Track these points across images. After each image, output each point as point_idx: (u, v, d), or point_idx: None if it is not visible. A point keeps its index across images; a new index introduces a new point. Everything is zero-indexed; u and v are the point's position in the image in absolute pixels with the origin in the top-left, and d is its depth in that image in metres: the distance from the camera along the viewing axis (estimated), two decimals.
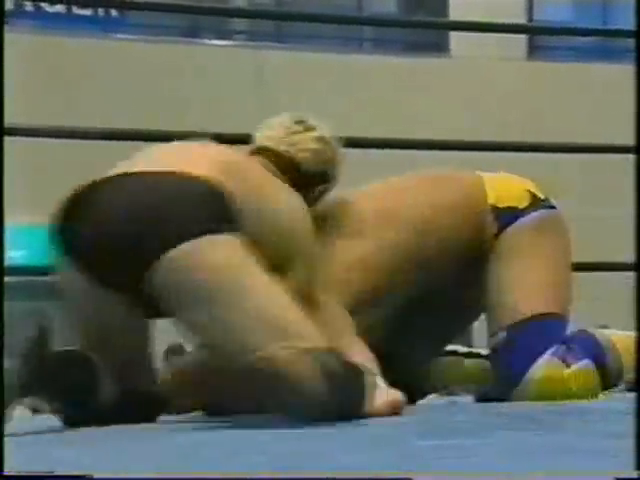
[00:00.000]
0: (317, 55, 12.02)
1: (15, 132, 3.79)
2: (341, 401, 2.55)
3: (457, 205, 3.21)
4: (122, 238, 2.72)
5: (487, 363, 3.37)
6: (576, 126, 10.72)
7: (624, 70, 13.56)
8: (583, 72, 13.18)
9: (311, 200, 3.10)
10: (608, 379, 3.24)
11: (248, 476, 1.63)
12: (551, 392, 3.08)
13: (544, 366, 3.11)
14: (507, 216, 3.21)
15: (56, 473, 2.17)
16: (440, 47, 12.91)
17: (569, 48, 13.75)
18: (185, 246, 2.67)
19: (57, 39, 11.57)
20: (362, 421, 2.54)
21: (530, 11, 13.76)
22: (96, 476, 2.07)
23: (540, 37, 13.58)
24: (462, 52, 12.24)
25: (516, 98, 12.65)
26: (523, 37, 12.88)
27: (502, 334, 3.16)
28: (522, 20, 13.13)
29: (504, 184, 3.28)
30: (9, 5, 11.65)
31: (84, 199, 2.79)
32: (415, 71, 12.37)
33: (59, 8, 11.98)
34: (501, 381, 3.19)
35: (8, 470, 1.87)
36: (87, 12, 12.29)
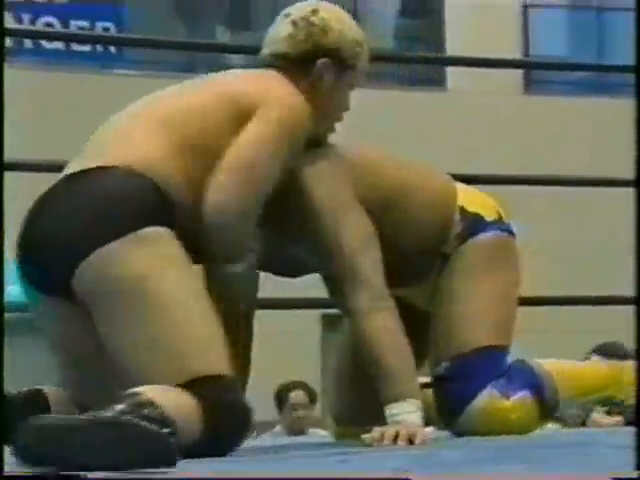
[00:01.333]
0: None
1: (16, 167, 3.79)
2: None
3: (428, 196, 3.20)
4: (51, 245, 2.73)
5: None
6: (571, 159, 10.73)
7: (619, 104, 13.63)
8: (578, 106, 13.20)
9: (315, 79, 3.04)
10: (545, 409, 3.26)
11: None
12: (492, 423, 3.10)
13: (486, 398, 3.11)
14: (473, 222, 3.19)
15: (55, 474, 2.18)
16: (437, 81, 12.93)
17: (565, 82, 13.78)
18: (104, 250, 2.66)
19: (56, 74, 11.60)
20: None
21: (526, 45, 13.78)
22: (90, 476, 2.09)
23: (536, 71, 13.61)
24: (460, 85, 12.26)
25: (512, 131, 12.66)
26: (519, 71, 12.91)
27: (446, 364, 3.15)
28: (518, 54, 13.15)
29: (475, 194, 3.28)
30: (9, 42, 11.69)
31: (31, 217, 2.80)
32: (411, 105, 12.38)
33: (58, 44, 12.02)
34: (443, 410, 3.18)
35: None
36: (86, 48, 12.32)
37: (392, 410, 2.91)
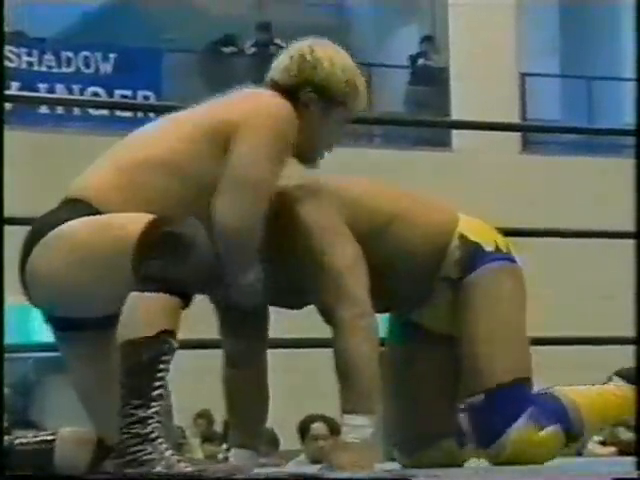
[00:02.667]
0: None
1: (14, 222, 3.71)
2: None
3: (421, 223, 3.14)
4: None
5: None
6: (564, 210, 10.69)
7: (607, 162, 13.57)
8: (570, 164, 13.18)
9: (302, 109, 2.97)
10: (572, 440, 3.17)
11: None
12: (524, 452, 3.01)
13: (521, 428, 3.03)
14: (473, 250, 3.12)
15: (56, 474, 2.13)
16: (443, 142, 12.92)
17: (558, 143, 13.77)
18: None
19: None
20: None
21: (523, 109, 13.77)
22: (87, 477, 2.03)
23: (532, 133, 13.61)
24: (464, 145, 12.24)
25: (511, 188, 12.63)
26: (518, 133, 12.91)
27: (480, 397, 3.07)
28: (516, 116, 13.14)
29: (479, 224, 3.21)
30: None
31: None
32: (420, 163, 12.37)
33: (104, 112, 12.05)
34: (478, 440, 3.11)
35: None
36: (128, 114, 12.35)
37: (351, 421, 2.85)
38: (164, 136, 2.91)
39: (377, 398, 2.89)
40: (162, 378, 2.55)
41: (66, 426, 2.91)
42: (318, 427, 7.13)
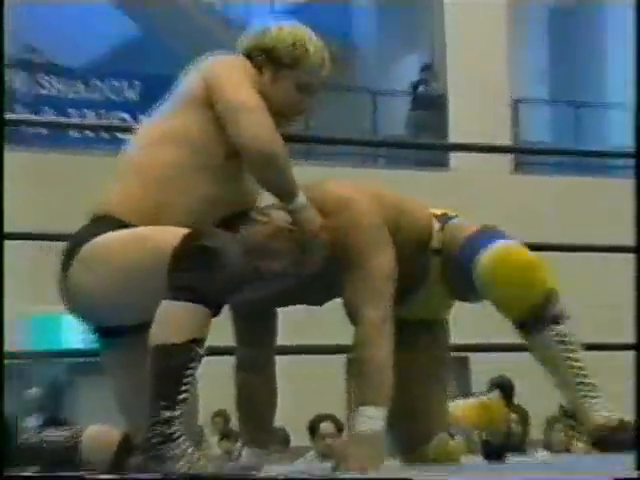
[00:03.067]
0: (339, 169, 12.08)
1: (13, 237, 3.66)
2: None
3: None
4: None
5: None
6: (554, 228, 10.67)
7: (595, 182, 13.53)
8: (558, 183, 13.17)
9: (257, 74, 2.92)
10: None
11: None
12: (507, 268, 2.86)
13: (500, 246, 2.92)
14: (446, 216, 3.13)
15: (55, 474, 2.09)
16: (441, 162, 12.91)
17: (546, 164, 13.76)
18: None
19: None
20: None
21: (515, 132, 13.77)
22: (87, 477, 2.00)
23: (523, 154, 13.62)
24: (461, 166, 12.23)
25: (503, 204, 12.62)
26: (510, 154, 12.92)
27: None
28: (508, 139, 13.13)
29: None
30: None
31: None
32: (420, 182, 12.36)
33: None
34: (454, 274, 3.02)
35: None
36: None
37: (366, 412, 2.79)
38: (162, 126, 2.98)
39: (390, 395, 2.83)
40: (188, 383, 2.53)
41: (94, 423, 2.89)
42: (326, 426, 7.12)
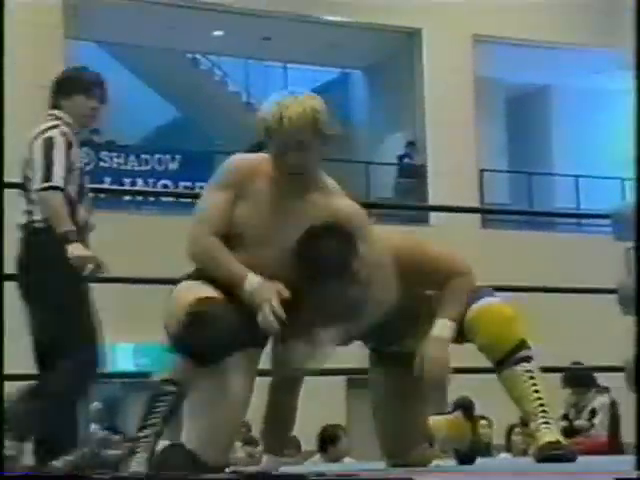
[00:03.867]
0: None
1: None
2: None
3: None
4: None
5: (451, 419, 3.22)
6: (515, 271, 10.67)
7: (544, 236, 13.48)
8: (516, 236, 13.17)
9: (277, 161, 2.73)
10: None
11: None
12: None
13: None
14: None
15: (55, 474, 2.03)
16: (423, 219, 12.92)
17: (507, 221, 13.75)
18: None
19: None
20: None
21: (482, 195, 13.79)
22: (95, 476, 1.94)
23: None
24: (439, 222, 12.23)
25: (474, 253, 12.60)
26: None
27: None
28: (476, 201, 13.14)
29: None
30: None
31: None
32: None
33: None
34: None
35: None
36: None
37: (443, 323, 2.85)
38: None
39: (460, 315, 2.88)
40: (158, 412, 2.57)
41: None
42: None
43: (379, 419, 3.15)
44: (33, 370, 3.60)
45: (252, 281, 2.66)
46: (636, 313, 1.59)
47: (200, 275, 2.75)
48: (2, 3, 2.24)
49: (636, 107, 1.60)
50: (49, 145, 3.48)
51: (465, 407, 3.24)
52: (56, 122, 3.60)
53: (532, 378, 2.88)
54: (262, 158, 2.82)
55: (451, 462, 3.20)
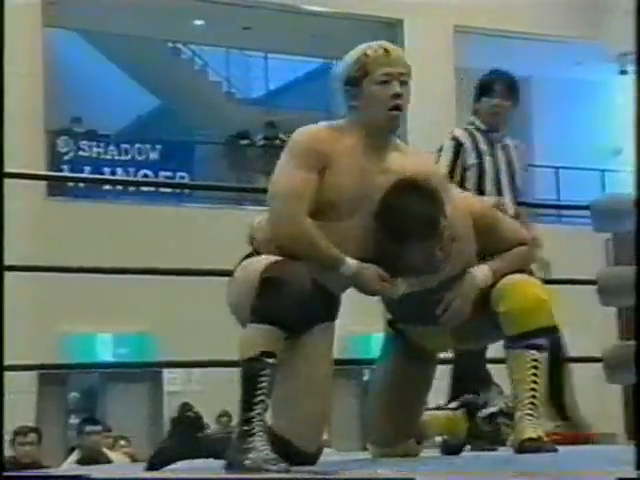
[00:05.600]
0: None
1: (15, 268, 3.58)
2: None
3: None
4: None
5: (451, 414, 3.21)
6: None
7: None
8: None
9: None
10: None
11: None
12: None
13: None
14: None
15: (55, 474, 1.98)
16: None
17: None
18: None
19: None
20: None
21: None
22: (93, 475, 1.87)
23: None
24: None
25: None
26: None
27: None
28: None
29: None
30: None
31: None
32: None
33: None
34: None
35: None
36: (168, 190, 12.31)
37: (483, 267, 2.85)
38: None
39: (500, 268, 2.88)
40: (263, 388, 2.49)
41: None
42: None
43: (374, 405, 3.12)
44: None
45: (350, 266, 2.67)
46: (636, 305, 1.53)
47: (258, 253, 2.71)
48: (2, 3, 2.19)
49: (636, 107, 1.57)
50: None
51: (469, 408, 3.23)
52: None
53: (536, 368, 2.82)
54: (333, 125, 2.80)
55: (436, 452, 3.22)
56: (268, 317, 2.49)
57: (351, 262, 2.67)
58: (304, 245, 2.63)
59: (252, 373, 2.49)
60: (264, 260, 2.61)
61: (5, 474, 2.17)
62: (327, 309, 2.74)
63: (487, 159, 4.26)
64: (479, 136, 4.30)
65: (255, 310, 2.52)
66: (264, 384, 2.49)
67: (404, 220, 2.65)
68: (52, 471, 2.00)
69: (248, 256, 2.74)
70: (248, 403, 2.49)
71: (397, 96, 2.76)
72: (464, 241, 2.82)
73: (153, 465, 2.71)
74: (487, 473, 1.55)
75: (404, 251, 2.68)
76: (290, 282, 2.49)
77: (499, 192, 4.20)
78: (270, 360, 2.50)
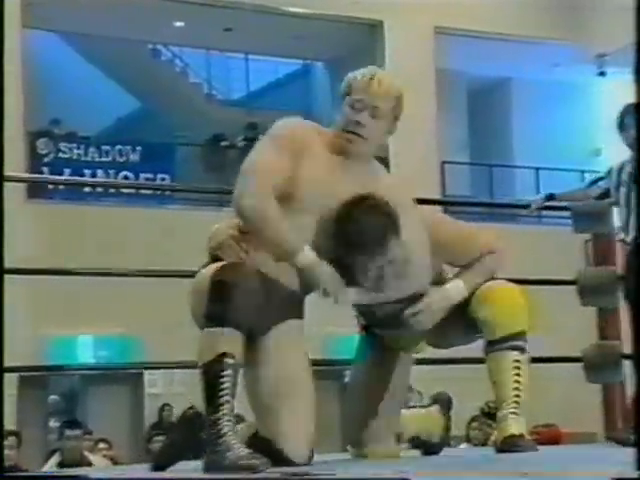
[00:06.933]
0: None
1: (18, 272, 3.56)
2: None
3: None
4: None
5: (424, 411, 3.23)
6: None
7: (502, 228, 13.55)
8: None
9: None
10: None
11: None
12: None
13: None
14: None
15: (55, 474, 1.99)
16: None
17: (467, 213, 13.80)
18: None
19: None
20: None
21: (443, 188, 13.82)
22: (92, 476, 1.87)
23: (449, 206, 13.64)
24: None
25: None
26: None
27: None
28: (438, 193, 13.19)
29: None
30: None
31: None
32: None
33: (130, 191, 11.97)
34: None
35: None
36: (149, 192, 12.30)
37: (456, 282, 2.91)
38: None
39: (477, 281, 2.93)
40: (226, 389, 2.50)
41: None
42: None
43: (353, 405, 3.14)
44: None
45: (307, 257, 2.66)
46: (635, 305, 1.52)
47: (217, 260, 2.70)
48: (2, 3, 2.20)
49: (637, 107, 1.59)
50: None
51: (442, 403, 3.26)
52: None
53: (518, 369, 2.88)
54: (318, 126, 2.89)
55: (416, 453, 3.22)
56: (221, 319, 2.50)
57: (309, 253, 2.67)
58: (265, 222, 2.64)
59: (213, 375, 2.50)
60: (214, 265, 2.62)
61: (5, 474, 2.16)
62: (288, 307, 2.73)
63: None
64: None
65: (208, 314, 2.52)
66: (226, 384, 2.49)
67: (354, 233, 2.69)
68: (52, 471, 2.00)
69: (206, 265, 2.73)
70: (213, 406, 2.49)
71: (357, 123, 2.84)
72: (422, 263, 2.86)
73: (158, 465, 2.70)
74: (487, 472, 1.55)
75: (352, 263, 2.72)
76: (238, 283, 2.50)
77: None
78: (230, 360, 2.51)
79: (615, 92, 13.80)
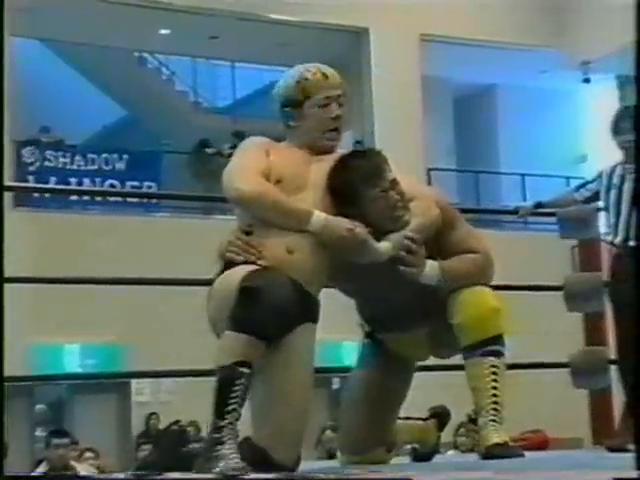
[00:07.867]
0: None
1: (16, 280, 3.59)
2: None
3: None
4: None
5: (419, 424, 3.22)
6: None
7: (494, 234, 13.59)
8: None
9: None
10: None
11: None
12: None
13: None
14: None
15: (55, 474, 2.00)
16: None
17: None
18: None
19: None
20: None
21: None
22: (87, 477, 1.88)
23: None
24: None
25: None
26: None
27: None
28: None
29: None
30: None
31: None
32: None
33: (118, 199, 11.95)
34: None
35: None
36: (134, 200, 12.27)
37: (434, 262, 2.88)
38: None
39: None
40: (236, 397, 2.48)
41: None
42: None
43: (350, 413, 3.11)
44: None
45: (320, 216, 2.68)
46: (637, 312, 1.52)
47: (231, 266, 2.70)
48: (2, 3, 2.18)
49: (637, 107, 1.59)
50: None
51: (440, 417, 3.24)
52: None
53: (495, 374, 2.85)
54: (278, 143, 2.92)
55: (406, 460, 3.22)
56: (247, 327, 2.49)
57: (320, 212, 2.70)
58: (267, 199, 2.67)
59: (226, 381, 2.49)
60: (242, 270, 2.60)
61: (6, 474, 2.16)
62: (306, 311, 2.72)
63: None
64: None
65: (234, 319, 2.50)
66: (237, 393, 2.48)
67: (351, 175, 2.76)
68: (52, 472, 2.01)
69: (222, 271, 2.72)
70: (220, 411, 2.48)
71: (336, 118, 2.89)
72: (422, 207, 2.90)
73: (139, 478, 2.70)
74: (487, 472, 1.53)
75: (360, 207, 2.75)
76: (269, 291, 2.49)
77: None
78: (245, 370, 2.50)
79: (600, 98, 13.86)
